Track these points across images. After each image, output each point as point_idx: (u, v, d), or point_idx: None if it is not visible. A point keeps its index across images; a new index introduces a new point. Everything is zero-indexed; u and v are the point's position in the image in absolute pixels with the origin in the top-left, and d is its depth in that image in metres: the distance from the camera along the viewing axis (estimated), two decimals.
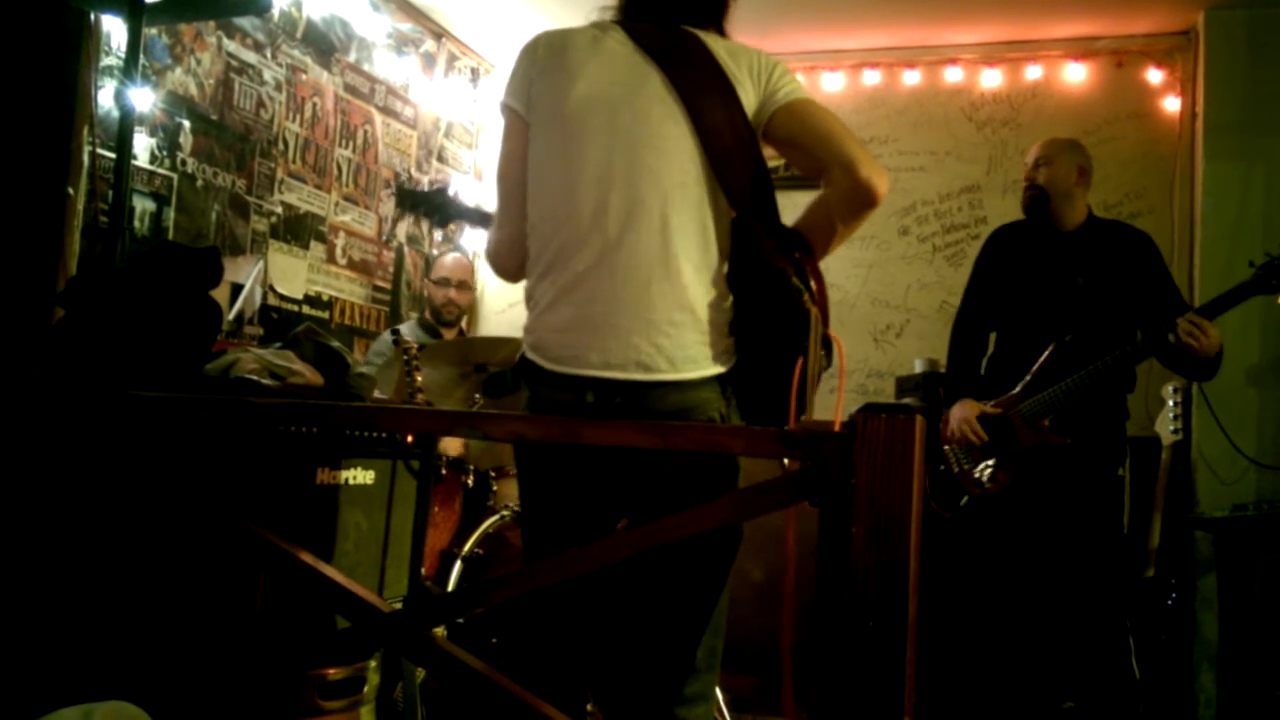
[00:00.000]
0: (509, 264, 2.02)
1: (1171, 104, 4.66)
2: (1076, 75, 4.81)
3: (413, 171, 4.89)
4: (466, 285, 4.34)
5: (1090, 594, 3.20)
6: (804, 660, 1.65)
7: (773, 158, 1.91)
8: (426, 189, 3.08)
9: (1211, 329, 2.99)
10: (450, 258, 4.38)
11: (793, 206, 1.89)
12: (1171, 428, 3.43)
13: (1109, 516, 3.28)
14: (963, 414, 3.29)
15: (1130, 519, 3.52)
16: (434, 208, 2.86)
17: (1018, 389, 3.24)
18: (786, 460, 1.65)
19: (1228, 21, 4.34)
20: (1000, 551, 3.31)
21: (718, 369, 1.82)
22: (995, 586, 3.33)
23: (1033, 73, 4.87)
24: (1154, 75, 4.70)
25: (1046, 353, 3.20)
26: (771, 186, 1.88)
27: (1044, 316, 3.29)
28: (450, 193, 2.82)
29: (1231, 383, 3.90)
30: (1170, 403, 3.45)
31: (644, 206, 1.81)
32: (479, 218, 2.70)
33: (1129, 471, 3.44)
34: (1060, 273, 3.31)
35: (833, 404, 1.77)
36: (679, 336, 1.80)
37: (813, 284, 1.79)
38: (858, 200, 1.79)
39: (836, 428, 1.51)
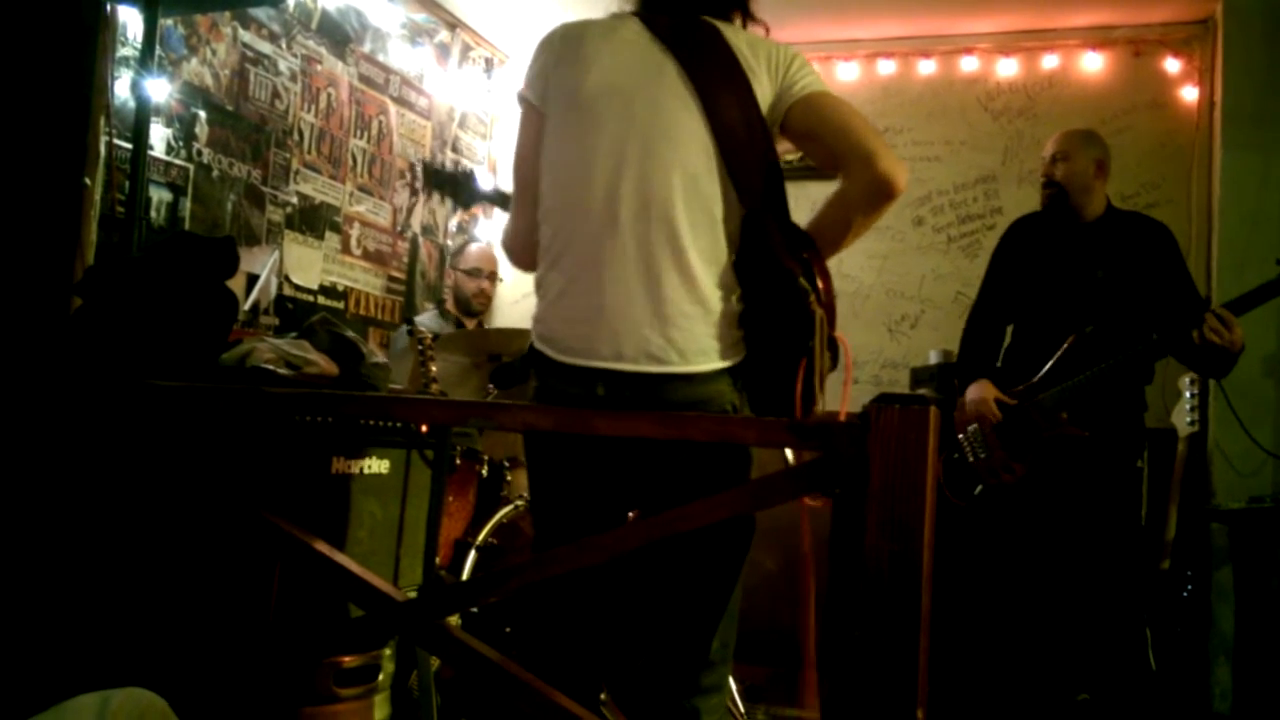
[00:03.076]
0: (523, 253, 2.02)
1: (1189, 94, 4.62)
2: (1093, 65, 4.78)
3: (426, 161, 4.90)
4: (496, 275, 4.37)
5: (1106, 586, 3.19)
6: (818, 650, 1.66)
7: (788, 151, 1.90)
8: (453, 169, 3.08)
9: (1237, 325, 2.96)
10: (478, 248, 4.39)
11: (806, 197, 1.88)
12: (1188, 419, 3.40)
13: (1126, 508, 3.27)
14: (979, 394, 3.26)
15: (1146, 511, 3.50)
16: (459, 188, 2.86)
17: (1036, 380, 3.22)
18: (790, 455, 1.65)
19: (1246, 10, 4.28)
20: (1015, 542, 3.30)
21: (728, 362, 1.81)
22: (1009, 576, 3.32)
23: (1049, 62, 4.84)
24: (1172, 65, 4.66)
25: (1066, 344, 3.17)
26: (783, 183, 1.87)
27: (1064, 308, 3.26)
28: (475, 175, 2.82)
29: (1248, 375, 3.87)
30: (1187, 395, 3.42)
31: (656, 197, 1.80)
32: (503, 200, 2.71)
33: (1146, 464, 3.42)
34: (1080, 265, 3.29)
35: (847, 398, 1.76)
36: (690, 329, 1.79)
37: (820, 284, 1.78)
38: (877, 193, 1.78)
39: (841, 418, 1.50)
